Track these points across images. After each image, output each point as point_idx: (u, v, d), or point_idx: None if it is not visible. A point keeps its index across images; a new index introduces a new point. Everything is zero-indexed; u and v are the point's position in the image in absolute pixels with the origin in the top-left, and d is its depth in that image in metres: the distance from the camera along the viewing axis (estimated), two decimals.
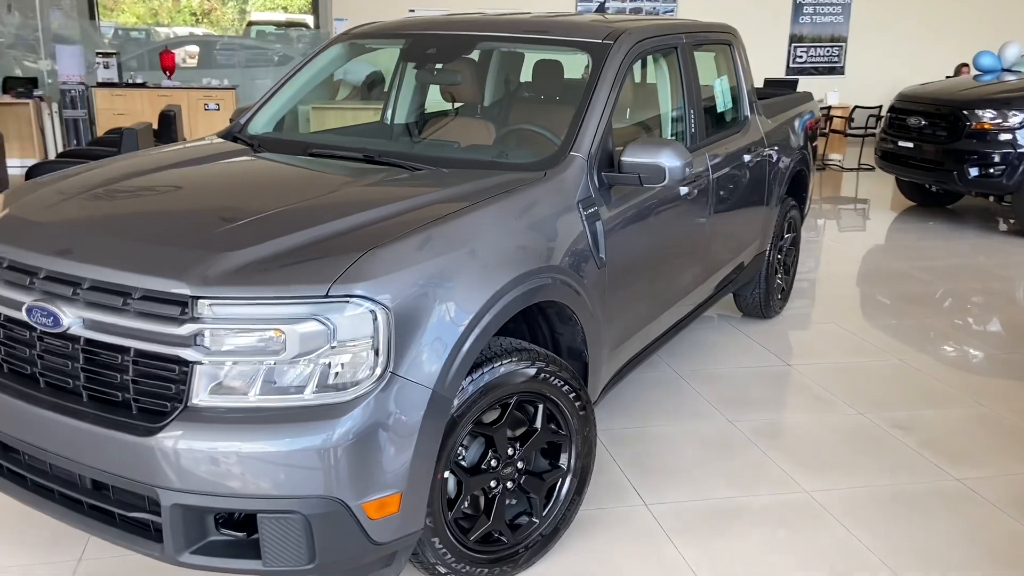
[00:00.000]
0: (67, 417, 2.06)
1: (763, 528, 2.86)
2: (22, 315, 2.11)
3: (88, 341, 2.06)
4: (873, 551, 2.74)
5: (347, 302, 1.97)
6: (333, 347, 1.96)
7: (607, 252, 2.77)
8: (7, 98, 8.49)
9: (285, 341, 1.93)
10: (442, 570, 2.35)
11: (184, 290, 1.95)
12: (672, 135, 3.58)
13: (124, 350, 2.02)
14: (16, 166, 7.76)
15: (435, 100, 3.89)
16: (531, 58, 3.92)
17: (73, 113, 8.40)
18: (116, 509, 2.10)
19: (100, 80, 8.68)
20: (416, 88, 3.89)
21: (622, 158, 2.80)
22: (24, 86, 8.60)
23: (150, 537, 2.05)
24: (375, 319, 1.99)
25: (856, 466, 3.30)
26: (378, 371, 2.00)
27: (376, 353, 2.00)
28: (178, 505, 1.97)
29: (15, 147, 8.12)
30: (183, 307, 1.95)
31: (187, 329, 1.93)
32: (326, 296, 1.95)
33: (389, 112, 3.93)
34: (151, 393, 2.00)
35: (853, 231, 7.96)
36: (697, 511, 2.95)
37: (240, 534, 2.04)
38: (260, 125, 3.34)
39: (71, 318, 2.04)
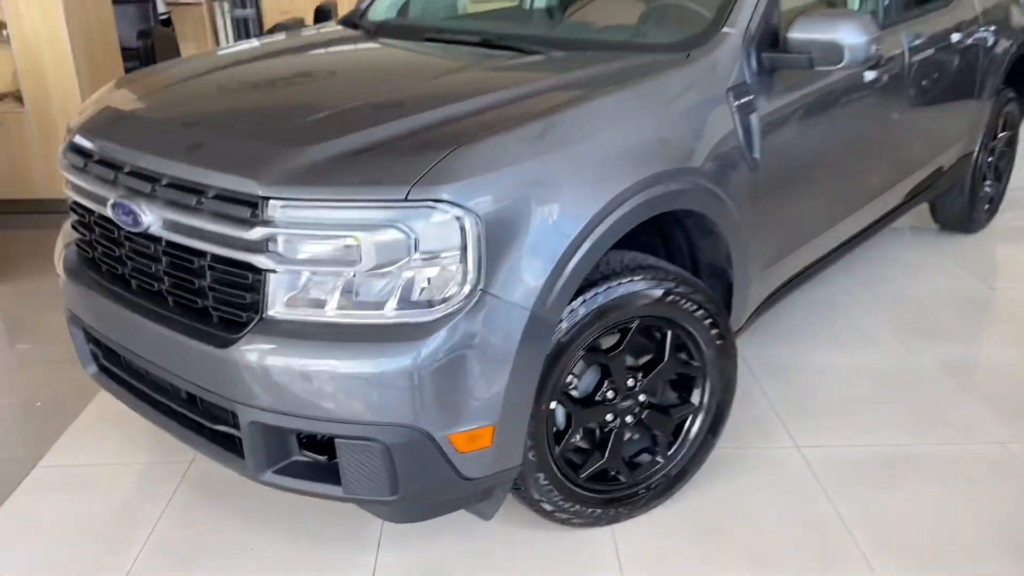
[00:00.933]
0: (154, 322, 1.96)
1: (940, 483, 2.40)
2: (108, 212, 2.00)
3: (169, 243, 1.92)
4: None
5: (431, 208, 1.69)
6: (415, 259, 1.70)
7: (763, 152, 2.31)
8: None
9: (360, 250, 1.69)
10: (547, 507, 2.11)
11: (253, 189, 1.74)
12: (860, 8, 2.97)
13: (201, 254, 1.86)
14: None
15: None
16: None
17: (242, 12, 8.55)
18: (204, 421, 2.00)
19: None
20: None
21: (789, 34, 2.29)
22: None
23: (236, 452, 1.94)
24: (463, 228, 1.70)
25: None
26: (467, 288, 1.73)
27: (465, 267, 1.72)
28: (256, 423, 1.83)
29: (192, 47, 8.39)
30: (253, 208, 1.75)
31: (258, 233, 1.73)
32: (405, 200, 1.68)
33: None
34: (229, 302, 1.84)
35: None
36: (859, 459, 2.51)
37: (322, 457, 1.88)
38: (382, 10, 3.07)
39: (150, 217, 1.91)
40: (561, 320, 1.90)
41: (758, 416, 2.72)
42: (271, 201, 1.73)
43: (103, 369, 2.30)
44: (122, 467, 2.54)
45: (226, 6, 8.76)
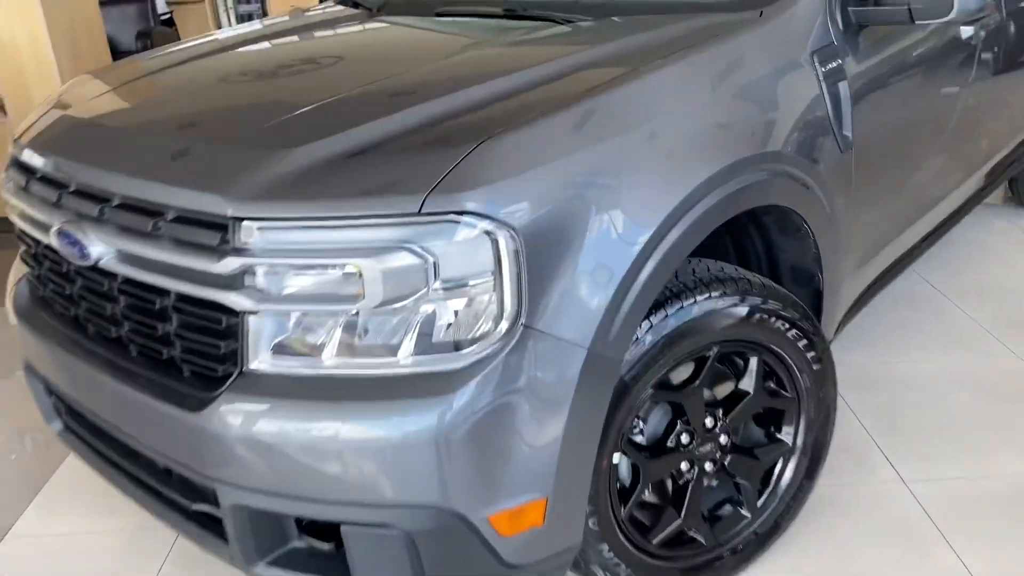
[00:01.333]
0: (112, 376, 1.57)
1: None
2: (53, 241, 1.61)
3: (126, 279, 1.53)
4: None
5: (453, 222, 1.28)
6: (436, 289, 1.30)
7: (854, 127, 1.89)
8: None
9: (364, 281, 1.29)
10: None
11: (221, 208, 1.34)
12: None
13: (164, 292, 1.46)
14: None
15: None
16: None
17: (247, 8, 8.19)
18: (179, 497, 1.61)
19: None
20: None
21: None
22: None
23: (221, 536, 1.54)
24: (496, 245, 1.29)
25: None
26: (504, 324, 1.32)
27: (500, 297, 1.31)
28: (241, 506, 1.43)
29: None
30: (223, 232, 1.35)
31: (230, 264, 1.33)
32: (419, 214, 1.28)
33: None
34: (201, 352, 1.45)
35: None
36: (983, 494, 2.08)
37: (327, 545, 1.49)
38: None
39: (100, 247, 1.51)
40: (622, 355, 1.49)
41: (850, 442, 2.29)
42: (244, 222, 1.33)
43: (69, 428, 1.92)
44: (103, 535, 2.17)
45: (230, 1, 8.41)
